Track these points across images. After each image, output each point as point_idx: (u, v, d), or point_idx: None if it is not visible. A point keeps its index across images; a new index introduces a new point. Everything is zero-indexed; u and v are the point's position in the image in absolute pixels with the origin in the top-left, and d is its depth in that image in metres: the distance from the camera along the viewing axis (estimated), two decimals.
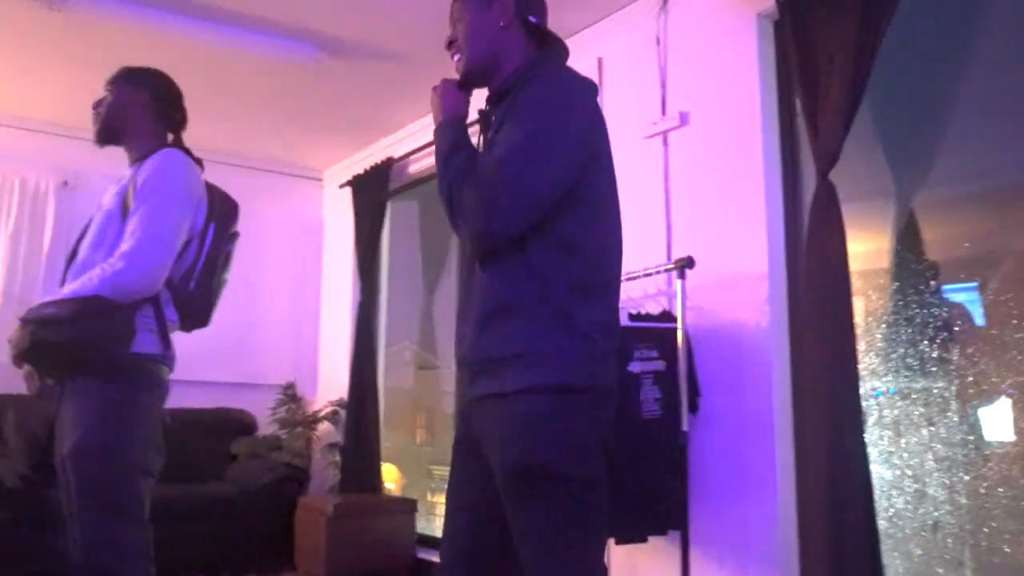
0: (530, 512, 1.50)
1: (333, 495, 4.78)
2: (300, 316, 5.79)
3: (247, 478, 4.65)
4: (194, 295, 2.10)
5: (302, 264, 5.86)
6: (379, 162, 5.09)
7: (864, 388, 2.58)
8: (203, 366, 4.68)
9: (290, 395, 5.35)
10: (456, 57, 1.72)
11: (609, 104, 3.61)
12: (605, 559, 1.59)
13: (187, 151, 2.18)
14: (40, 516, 3.71)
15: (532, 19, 1.69)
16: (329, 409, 5.22)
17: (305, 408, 5.35)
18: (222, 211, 2.19)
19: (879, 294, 2.88)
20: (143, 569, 1.97)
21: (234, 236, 2.25)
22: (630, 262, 3.22)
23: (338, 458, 4.98)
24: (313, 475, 5.15)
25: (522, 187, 1.48)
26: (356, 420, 4.86)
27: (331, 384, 5.45)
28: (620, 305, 2.70)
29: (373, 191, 5.11)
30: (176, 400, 2.18)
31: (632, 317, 2.92)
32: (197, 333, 2.21)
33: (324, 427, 5.26)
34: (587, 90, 1.63)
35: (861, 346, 2.68)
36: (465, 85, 1.73)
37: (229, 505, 4.48)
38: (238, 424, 5.13)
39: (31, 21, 3.73)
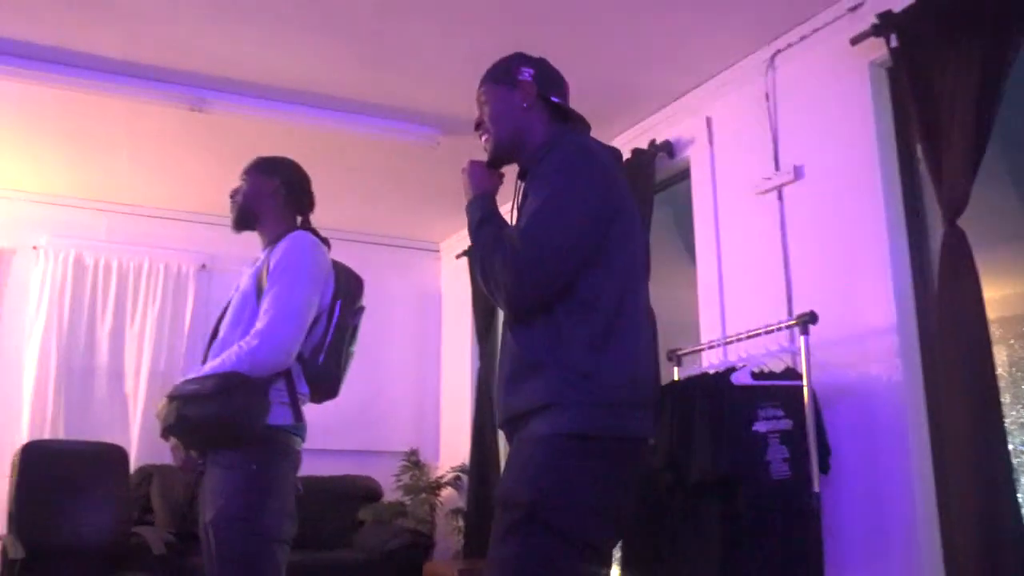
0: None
1: (458, 560, 4.79)
2: (421, 384, 5.93)
3: (373, 544, 4.72)
4: (324, 368, 2.19)
5: (422, 333, 6.02)
6: None
7: (1013, 443, 2.42)
8: (330, 435, 4.84)
9: (413, 461, 5.44)
10: (484, 138, 1.83)
11: (720, 163, 3.60)
12: None
13: (315, 232, 2.31)
14: None
15: (554, 99, 1.79)
16: (452, 475, 5.27)
17: (428, 474, 5.42)
18: (348, 287, 2.30)
19: (1023, 342, 2.71)
20: None
21: (360, 310, 2.35)
22: (749, 320, 3.18)
23: (462, 523, 5.00)
24: (438, 540, 5.19)
25: (543, 253, 1.55)
26: (479, 485, 4.88)
27: (453, 450, 5.51)
28: (735, 362, 2.64)
29: None
30: (306, 468, 2.27)
31: (755, 375, 2.84)
32: (324, 403, 2.30)
33: (447, 493, 5.31)
34: (600, 154, 1.69)
35: (1006, 398, 2.52)
36: (493, 164, 1.83)
37: (357, 571, 4.56)
38: (364, 491, 5.24)
39: (176, 122, 4.07)
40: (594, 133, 1.84)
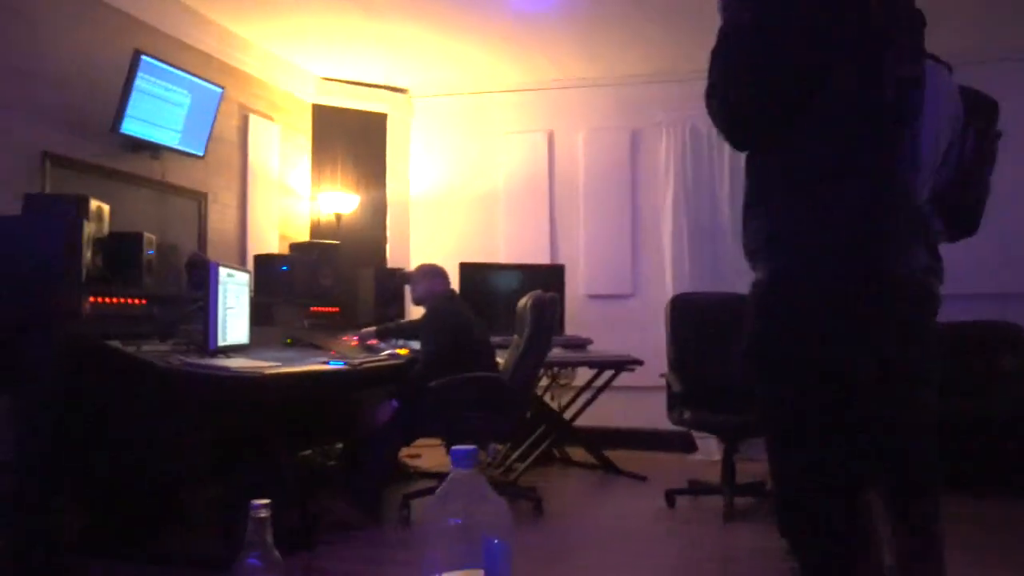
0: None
1: None
2: None
3: (1019, 395, 4.34)
4: (960, 201, 2.05)
5: None
6: None
7: None
8: (967, 277, 4.49)
9: None
10: None
11: None
12: None
13: (933, 57, 2.13)
14: None
15: None
16: None
17: None
18: (980, 112, 2.09)
19: None
20: None
21: (996, 136, 2.11)
22: None
23: None
24: None
25: (747, 85, 1.47)
26: None
27: None
28: None
29: None
30: (942, 314, 2.17)
31: None
32: (960, 242, 2.15)
33: None
34: None
35: None
36: None
37: (997, 425, 4.28)
38: (1005, 337, 4.81)
39: None
40: None
